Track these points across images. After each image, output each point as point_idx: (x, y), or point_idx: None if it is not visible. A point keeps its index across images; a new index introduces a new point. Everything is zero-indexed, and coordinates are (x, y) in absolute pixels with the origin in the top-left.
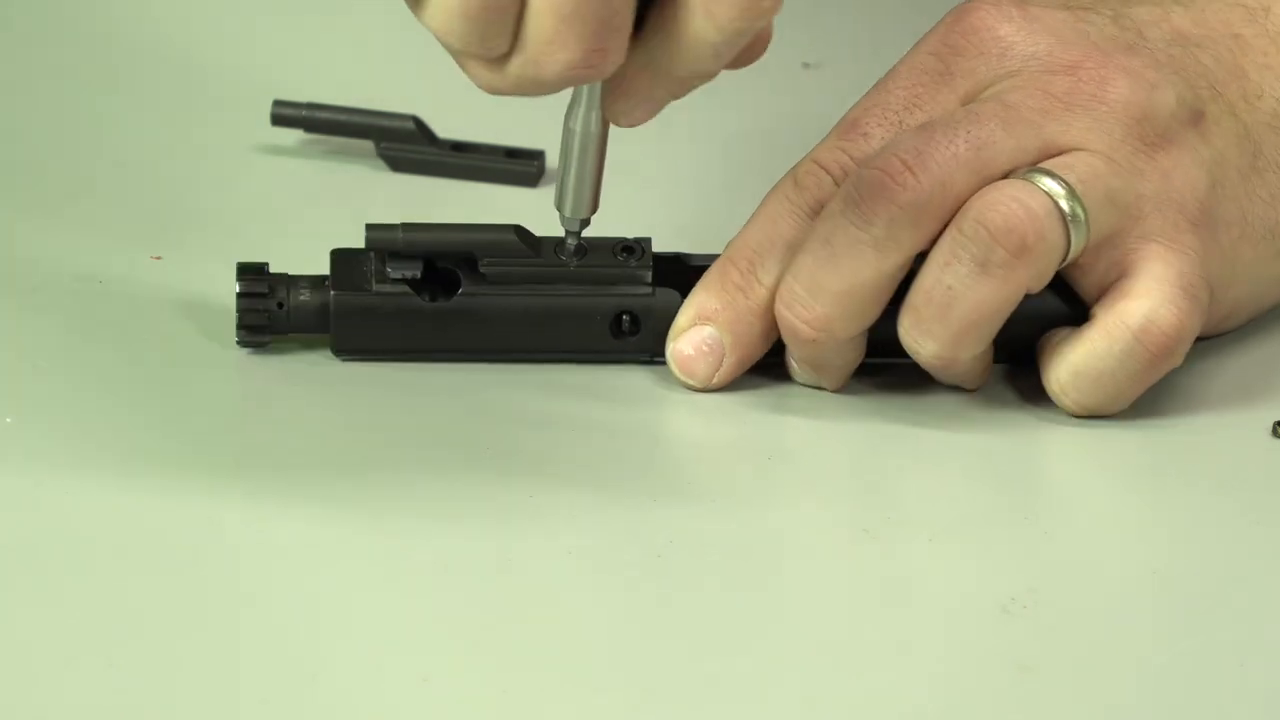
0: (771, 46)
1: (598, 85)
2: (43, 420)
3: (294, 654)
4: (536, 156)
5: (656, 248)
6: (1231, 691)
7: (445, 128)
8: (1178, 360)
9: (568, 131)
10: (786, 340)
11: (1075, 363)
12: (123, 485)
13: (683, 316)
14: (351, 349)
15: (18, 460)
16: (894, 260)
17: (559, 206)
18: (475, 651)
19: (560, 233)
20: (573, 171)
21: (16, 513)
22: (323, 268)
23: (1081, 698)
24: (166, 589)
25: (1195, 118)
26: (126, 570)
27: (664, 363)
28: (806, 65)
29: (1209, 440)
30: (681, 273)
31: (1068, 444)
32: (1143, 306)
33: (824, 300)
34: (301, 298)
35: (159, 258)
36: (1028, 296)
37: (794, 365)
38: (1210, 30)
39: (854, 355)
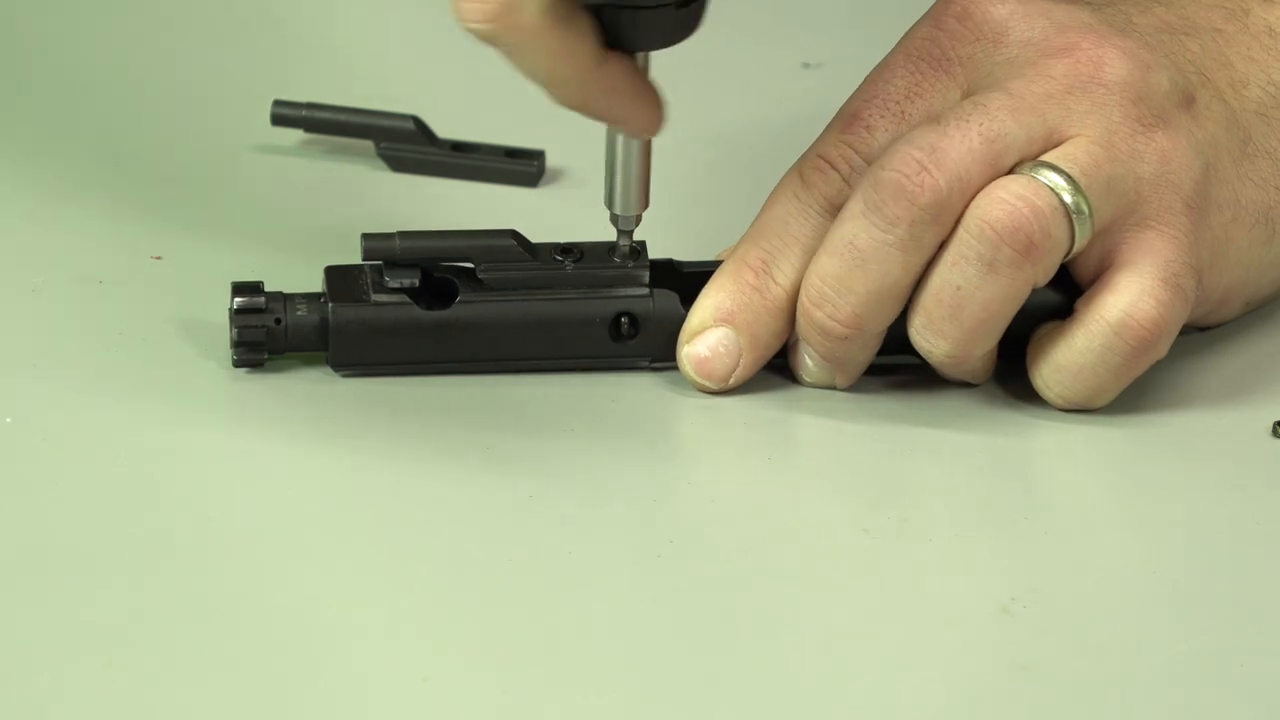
0: (771, 46)
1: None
2: (42, 421)
3: (294, 654)
4: (536, 156)
5: (653, 249)
6: (1231, 691)
7: (445, 128)
8: (1160, 353)
9: None
10: (811, 338)
11: (1056, 358)
12: (123, 486)
13: (695, 318)
14: (350, 362)
15: (17, 460)
16: (919, 259)
17: (609, 204)
18: (475, 651)
19: (613, 235)
20: (619, 163)
21: (14, 513)
22: (323, 267)
23: (1081, 698)
24: (163, 590)
25: (1187, 101)
26: (124, 570)
27: (665, 367)
28: (806, 65)
29: (1209, 440)
30: (675, 276)
31: (1068, 443)
32: (1121, 300)
33: (853, 301)
34: (298, 314)
35: (159, 258)
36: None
37: (807, 364)
38: (1194, 24)
39: (874, 350)
